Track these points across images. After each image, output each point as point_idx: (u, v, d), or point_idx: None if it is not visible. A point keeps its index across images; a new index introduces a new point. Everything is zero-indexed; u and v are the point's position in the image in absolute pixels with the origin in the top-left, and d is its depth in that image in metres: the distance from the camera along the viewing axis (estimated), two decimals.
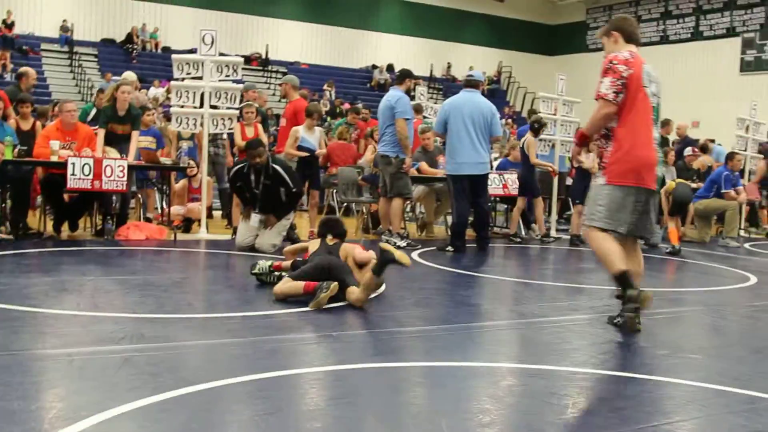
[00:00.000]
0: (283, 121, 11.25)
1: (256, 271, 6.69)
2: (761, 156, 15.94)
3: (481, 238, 10.14)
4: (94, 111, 11.56)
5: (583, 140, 5.78)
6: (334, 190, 13.91)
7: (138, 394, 3.57)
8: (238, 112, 10.76)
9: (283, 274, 6.48)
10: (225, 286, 6.83)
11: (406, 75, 10.50)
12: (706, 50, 32.29)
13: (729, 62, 31.32)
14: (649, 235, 5.61)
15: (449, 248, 9.80)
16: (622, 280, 5.39)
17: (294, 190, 9.07)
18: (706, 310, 6.77)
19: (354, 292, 5.91)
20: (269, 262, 6.75)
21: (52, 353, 4.28)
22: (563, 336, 5.37)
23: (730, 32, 31.49)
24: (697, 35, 32.75)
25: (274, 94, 27.21)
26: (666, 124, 15.92)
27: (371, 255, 6.46)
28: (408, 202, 11.62)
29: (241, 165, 9.17)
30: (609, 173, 5.43)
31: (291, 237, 9.68)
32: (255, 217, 9.02)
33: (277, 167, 8.99)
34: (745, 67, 30.80)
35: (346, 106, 25.78)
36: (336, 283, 5.90)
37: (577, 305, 6.55)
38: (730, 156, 13.40)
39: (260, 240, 8.97)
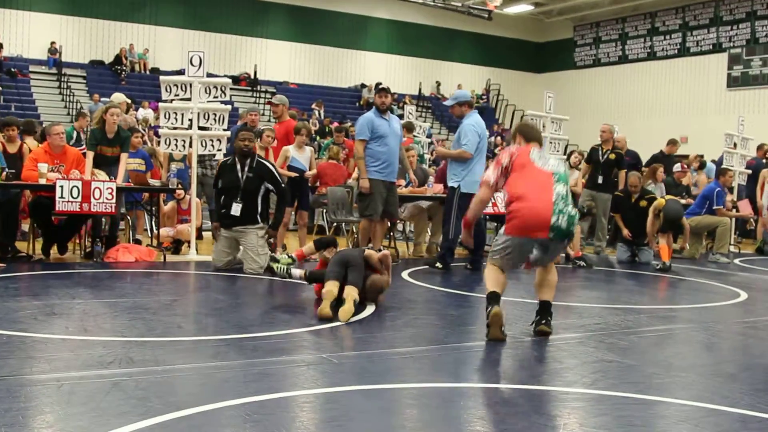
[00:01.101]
0: (274, 142, 11.24)
1: (274, 267, 7.24)
2: (750, 171, 15.99)
3: (479, 257, 10.09)
4: (75, 135, 11.57)
5: (468, 225, 6.30)
6: (324, 210, 13.90)
7: (126, 420, 3.55)
8: (228, 133, 10.73)
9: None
10: (214, 309, 6.80)
11: (375, 91, 10.49)
12: (693, 66, 32.46)
13: (716, 78, 31.48)
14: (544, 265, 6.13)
15: (438, 265, 9.78)
16: (490, 298, 5.86)
17: (283, 186, 9.26)
18: (697, 327, 6.77)
19: (349, 298, 6.38)
20: (288, 258, 7.35)
21: (41, 378, 4.25)
22: (554, 355, 5.37)
23: (717, 48, 31.66)
24: (684, 51, 32.92)
25: (263, 114, 27.24)
26: (674, 143, 16.10)
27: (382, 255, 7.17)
28: (398, 221, 11.62)
29: (227, 158, 9.38)
30: (506, 226, 5.91)
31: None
32: (236, 207, 9.05)
33: (264, 161, 9.29)
34: (732, 82, 30.96)
35: (335, 125, 25.80)
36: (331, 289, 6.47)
37: (568, 324, 6.53)
38: (722, 172, 13.43)
39: (247, 265, 9.00)
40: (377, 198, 9.87)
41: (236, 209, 9.02)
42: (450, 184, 9.95)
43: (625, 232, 12.11)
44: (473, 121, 9.90)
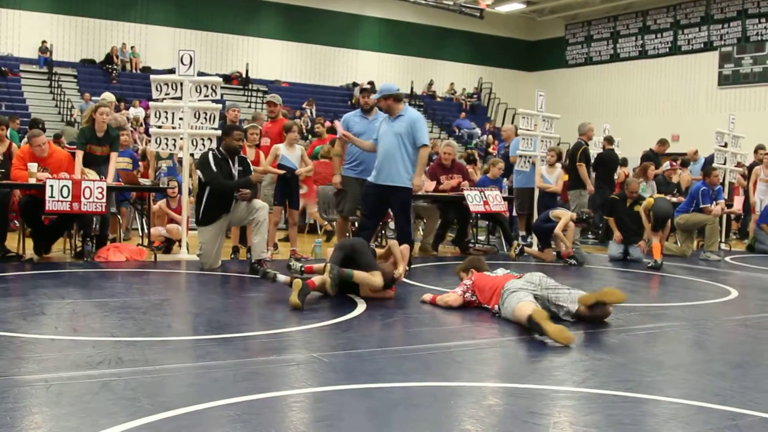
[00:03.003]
0: (266, 141, 11.24)
1: (291, 266, 7.47)
2: (740, 169, 16.09)
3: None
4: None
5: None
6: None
7: (115, 420, 3.53)
8: (219, 132, 10.71)
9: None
10: (205, 308, 6.79)
11: (359, 91, 10.59)
12: (684, 64, 32.52)
13: (707, 76, 31.54)
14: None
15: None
16: None
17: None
18: (687, 325, 6.77)
19: (371, 282, 7.03)
20: (301, 264, 7.51)
21: (29, 379, 4.23)
22: (544, 354, 5.36)
23: (708, 46, 31.73)
24: (675, 50, 32.98)
25: (256, 110, 27.16)
26: (664, 142, 16.28)
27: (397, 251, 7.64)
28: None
29: (212, 151, 9.38)
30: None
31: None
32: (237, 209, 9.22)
33: (244, 156, 9.53)
34: (723, 80, 31.02)
35: (327, 124, 25.76)
36: (298, 280, 6.79)
37: (557, 322, 6.52)
38: (708, 172, 13.48)
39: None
40: (348, 195, 10.01)
41: (237, 210, 9.17)
42: (404, 184, 9.16)
43: (617, 234, 12.13)
44: (418, 113, 9.54)
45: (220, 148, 9.27)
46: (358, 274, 7.00)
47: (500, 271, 7.06)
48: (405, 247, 7.93)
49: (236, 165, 9.21)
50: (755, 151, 16.13)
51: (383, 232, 11.76)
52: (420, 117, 9.37)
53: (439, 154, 12.91)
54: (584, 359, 5.24)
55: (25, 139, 10.76)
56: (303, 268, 7.38)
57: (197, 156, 11.01)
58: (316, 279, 6.98)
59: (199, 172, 9.19)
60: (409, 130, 9.08)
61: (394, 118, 9.15)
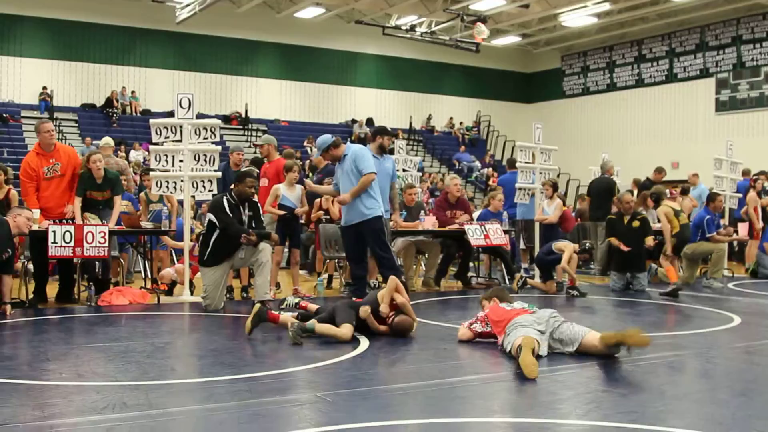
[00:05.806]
0: (264, 181, 11.28)
1: (284, 306, 7.76)
2: (740, 195, 16.12)
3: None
4: None
5: None
6: None
7: None
8: (219, 174, 10.77)
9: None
10: (207, 350, 6.79)
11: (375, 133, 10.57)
12: (681, 92, 32.66)
13: (704, 103, 31.67)
14: None
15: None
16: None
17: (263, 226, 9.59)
18: (690, 354, 6.77)
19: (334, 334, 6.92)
20: (297, 300, 7.90)
21: (34, 426, 4.24)
22: (548, 387, 5.36)
23: (704, 73, 31.89)
24: (671, 77, 33.15)
25: (255, 153, 27.29)
26: (660, 171, 16.36)
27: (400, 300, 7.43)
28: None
29: (223, 195, 9.34)
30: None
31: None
32: (241, 251, 9.23)
33: (255, 200, 9.51)
34: (721, 106, 31.16)
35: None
36: (258, 304, 7.37)
37: (561, 355, 6.53)
38: (712, 198, 13.47)
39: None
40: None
41: (242, 253, 9.23)
42: (367, 216, 9.44)
43: (623, 247, 11.82)
44: (357, 146, 9.85)
45: (232, 194, 9.27)
46: (320, 327, 6.96)
47: (517, 305, 7.00)
48: (391, 278, 7.71)
49: (246, 210, 9.24)
50: (754, 176, 16.21)
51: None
52: (359, 149, 9.71)
53: (447, 189, 12.76)
54: (588, 391, 5.24)
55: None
56: (298, 305, 7.68)
57: (198, 198, 11.09)
58: (284, 316, 7.24)
59: (211, 216, 9.17)
60: (354, 165, 9.49)
61: (341, 161, 9.62)
